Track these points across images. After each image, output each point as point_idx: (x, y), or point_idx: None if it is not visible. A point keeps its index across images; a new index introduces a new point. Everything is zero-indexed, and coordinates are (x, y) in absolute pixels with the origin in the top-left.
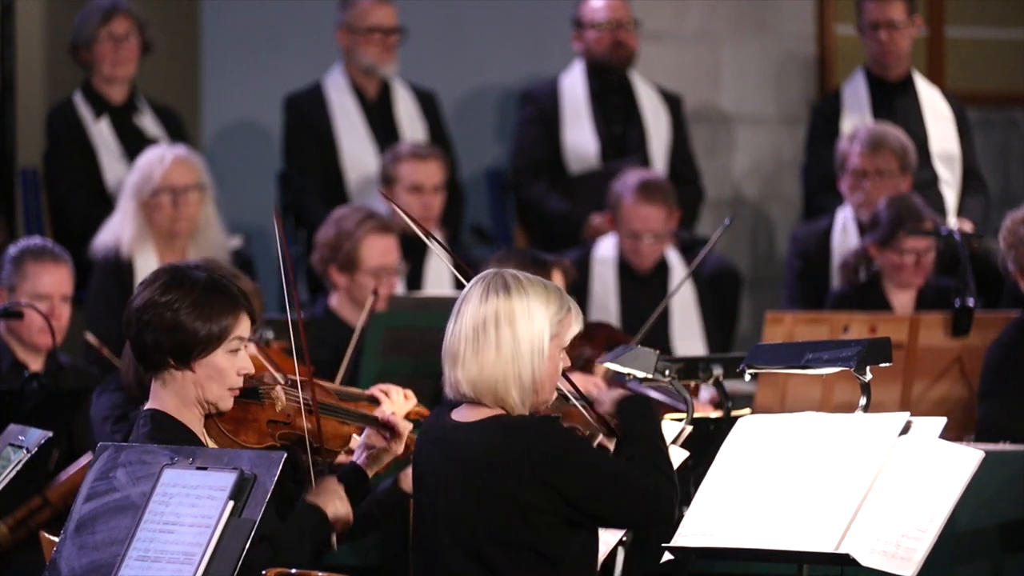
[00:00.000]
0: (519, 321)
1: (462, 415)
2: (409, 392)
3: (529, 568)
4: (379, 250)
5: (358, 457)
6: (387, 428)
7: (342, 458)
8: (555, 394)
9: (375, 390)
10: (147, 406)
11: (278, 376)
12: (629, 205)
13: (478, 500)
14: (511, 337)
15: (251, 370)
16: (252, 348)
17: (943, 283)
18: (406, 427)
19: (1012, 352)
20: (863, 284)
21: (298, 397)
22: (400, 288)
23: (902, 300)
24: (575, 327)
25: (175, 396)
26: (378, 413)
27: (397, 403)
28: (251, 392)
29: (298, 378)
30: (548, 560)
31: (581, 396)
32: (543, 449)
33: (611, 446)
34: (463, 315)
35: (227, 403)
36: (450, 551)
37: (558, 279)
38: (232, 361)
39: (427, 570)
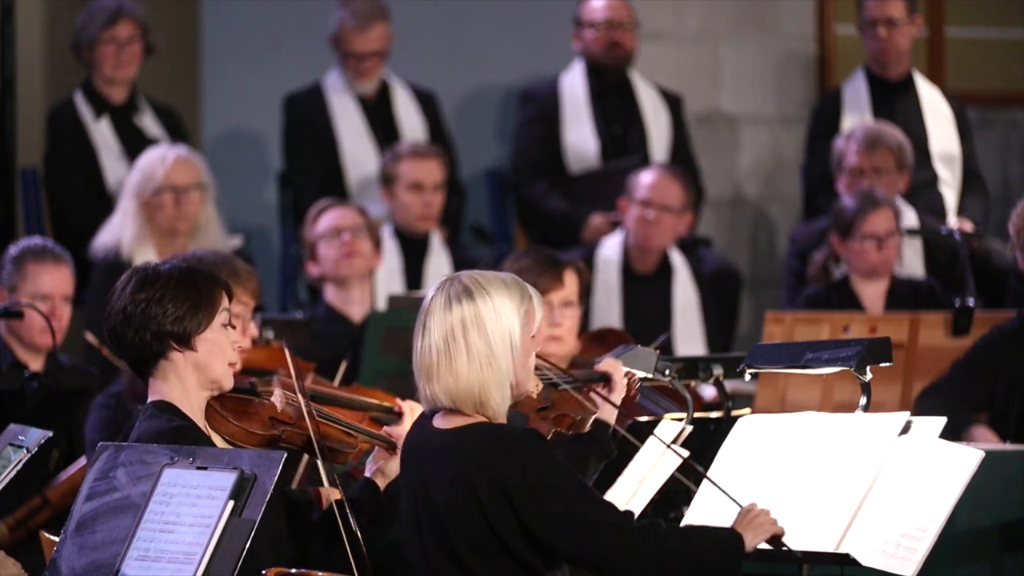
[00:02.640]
0: (488, 323)
1: (443, 422)
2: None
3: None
4: (326, 218)
5: (369, 471)
6: (390, 444)
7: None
8: (539, 384)
9: (401, 405)
10: (149, 399)
11: (279, 392)
12: (648, 179)
13: (455, 506)
14: (483, 341)
15: (244, 343)
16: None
17: (915, 279)
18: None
19: (1003, 339)
20: (834, 283)
21: (297, 403)
22: (400, 288)
23: (871, 296)
24: (539, 312)
25: (178, 384)
26: (384, 430)
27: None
28: (250, 391)
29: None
30: (525, 568)
31: (570, 379)
32: (515, 462)
33: (610, 419)
34: (430, 328)
35: (229, 381)
36: (435, 557)
37: (572, 279)
38: (226, 335)
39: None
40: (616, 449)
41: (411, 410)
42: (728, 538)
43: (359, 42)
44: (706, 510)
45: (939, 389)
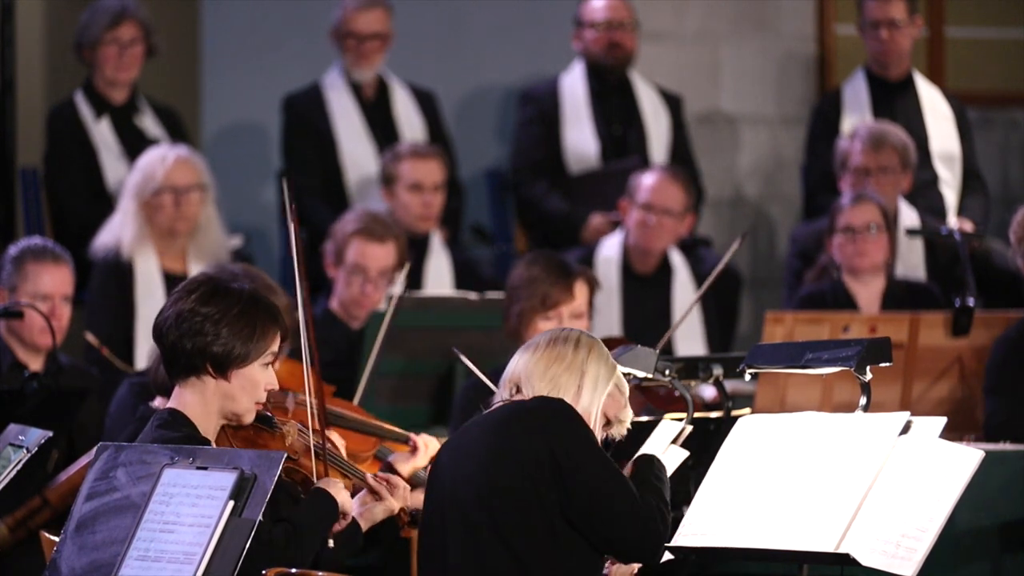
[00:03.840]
0: (594, 356)
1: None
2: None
3: (542, 547)
4: (359, 251)
5: (356, 510)
6: (377, 494)
7: None
8: None
9: (416, 439)
10: (168, 405)
11: (293, 424)
12: (649, 182)
13: (496, 472)
14: (583, 360)
15: (276, 385)
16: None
17: (913, 280)
18: (399, 488)
19: (1017, 348)
20: (829, 283)
21: (307, 438)
22: (400, 288)
23: (866, 296)
24: (623, 412)
25: (200, 403)
26: (370, 477)
27: (428, 454)
28: (265, 420)
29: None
30: (560, 539)
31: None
32: (556, 426)
33: None
34: (539, 347)
35: (251, 416)
36: (462, 532)
37: (582, 292)
38: (264, 374)
39: (436, 555)
40: None
41: (425, 446)
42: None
43: (360, 22)
44: (706, 510)
45: (1003, 421)
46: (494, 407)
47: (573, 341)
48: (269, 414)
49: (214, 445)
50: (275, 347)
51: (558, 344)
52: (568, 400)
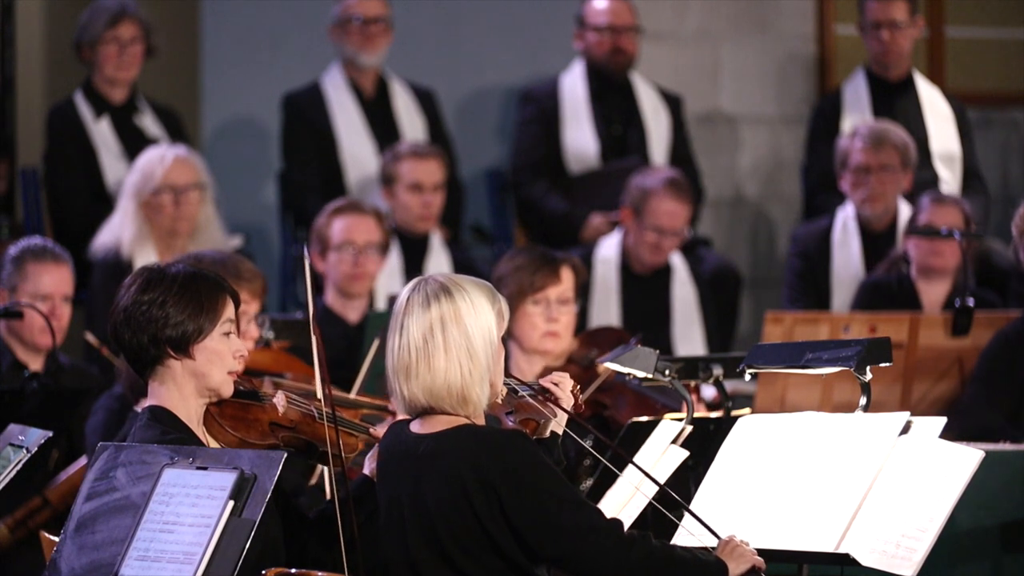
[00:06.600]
0: (467, 318)
1: (423, 426)
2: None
3: None
4: (342, 227)
5: (367, 469)
6: None
7: None
8: (504, 389)
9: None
10: (146, 403)
11: (281, 394)
12: (658, 200)
13: (447, 509)
14: (462, 336)
15: (245, 352)
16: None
17: (982, 293)
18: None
19: (1011, 344)
20: (899, 276)
21: (300, 404)
22: (400, 288)
23: (931, 296)
24: (507, 315)
25: (175, 390)
26: (372, 429)
27: None
28: (252, 395)
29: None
30: (515, 567)
31: (525, 384)
32: (505, 463)
33: (558, 429)
34: (407, 327)
35: (228, 388)
36: (423, 562)
37: (568, 276)
38: (227, 344)
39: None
40: (572, 457)
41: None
42: (714, 564)
43: (362, 7)
44: (706, 510)
45: (971, 409)
46: (425, 431)
47: (440, 324)
48: (254, 388)
49: (200, 430)
50: (229, 314)
51: (431, 340)
52: (482, 376)
